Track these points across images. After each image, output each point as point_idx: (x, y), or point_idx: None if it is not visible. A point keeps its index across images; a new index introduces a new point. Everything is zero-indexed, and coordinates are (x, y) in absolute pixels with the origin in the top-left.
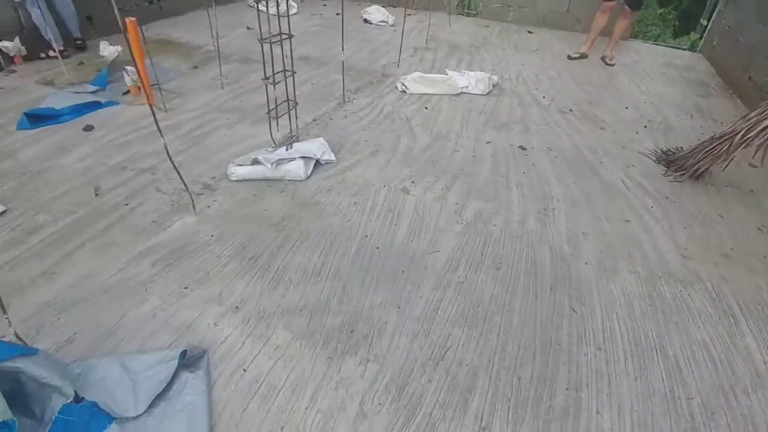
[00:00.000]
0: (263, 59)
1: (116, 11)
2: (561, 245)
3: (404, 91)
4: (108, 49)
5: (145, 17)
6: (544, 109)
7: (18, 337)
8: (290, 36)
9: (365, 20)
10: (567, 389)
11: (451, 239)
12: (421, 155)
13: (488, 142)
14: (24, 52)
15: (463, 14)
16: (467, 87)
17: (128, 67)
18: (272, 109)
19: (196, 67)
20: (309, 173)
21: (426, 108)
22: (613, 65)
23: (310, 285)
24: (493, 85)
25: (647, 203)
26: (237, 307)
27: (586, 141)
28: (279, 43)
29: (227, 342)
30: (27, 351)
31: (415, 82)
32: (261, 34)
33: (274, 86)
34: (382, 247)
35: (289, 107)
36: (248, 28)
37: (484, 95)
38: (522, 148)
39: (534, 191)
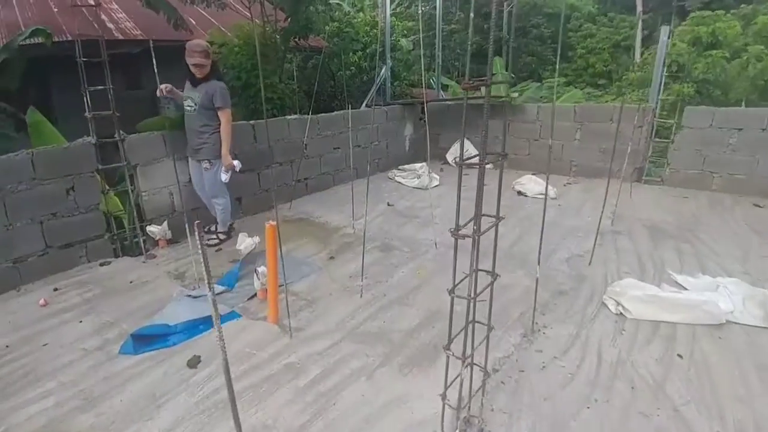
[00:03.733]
0: (454, 264)
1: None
2: None
3: (621, 314)
4: (245, 242)
5: (291, 194)
6: None
7: None
8: (498, 219)
9: (519, 192)
10: None
11: None
12: None
13: None
14: (169, 235)
15: (640, 181)
16: (732, 312)
17: (260, 269)
18: (450, 342)
19: (332, 257)
20: None
21: (679, 356)
22: None
23: None
24: None
25: None
26: None
27: None
28: (476, 237)
29: None
30: None
31: (638, 302)
32: (457, 232)
33: (472, 303)
34: None
35: (473, 337)
36: (389, 205)
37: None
38: None
39: None
